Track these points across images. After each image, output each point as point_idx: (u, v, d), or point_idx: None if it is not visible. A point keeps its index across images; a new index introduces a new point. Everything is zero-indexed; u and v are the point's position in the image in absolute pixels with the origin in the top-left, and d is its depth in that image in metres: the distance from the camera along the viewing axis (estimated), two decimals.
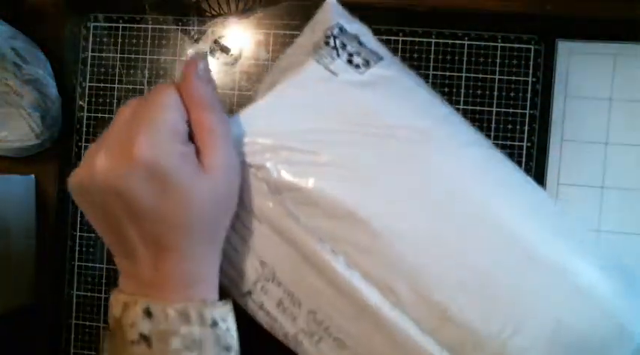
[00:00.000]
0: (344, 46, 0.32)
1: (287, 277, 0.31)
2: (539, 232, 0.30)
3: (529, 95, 0.43)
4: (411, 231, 0.29)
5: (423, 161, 0.30)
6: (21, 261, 0.45)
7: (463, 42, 0.43)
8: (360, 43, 0.33)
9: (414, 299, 0.29)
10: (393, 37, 0.44)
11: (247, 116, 0.30)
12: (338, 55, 0.32)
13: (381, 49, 0.34)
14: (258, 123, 0.30)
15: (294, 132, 0.30)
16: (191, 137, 0.28)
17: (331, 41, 0.32)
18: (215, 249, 0.29)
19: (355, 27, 0.34)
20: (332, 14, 0.34)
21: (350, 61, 0.32)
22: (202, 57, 0.30)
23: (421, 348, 0.29)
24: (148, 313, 0.26)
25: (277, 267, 0.31)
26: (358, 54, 0.32)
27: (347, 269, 0.29)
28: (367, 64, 0.32)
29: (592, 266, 0.31)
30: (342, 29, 0.33)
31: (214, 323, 0.27)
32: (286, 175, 0.29)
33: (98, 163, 0.26)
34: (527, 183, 0.33)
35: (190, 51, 0.33)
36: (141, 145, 0.25)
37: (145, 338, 0.26)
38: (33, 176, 0.47)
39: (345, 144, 0.30)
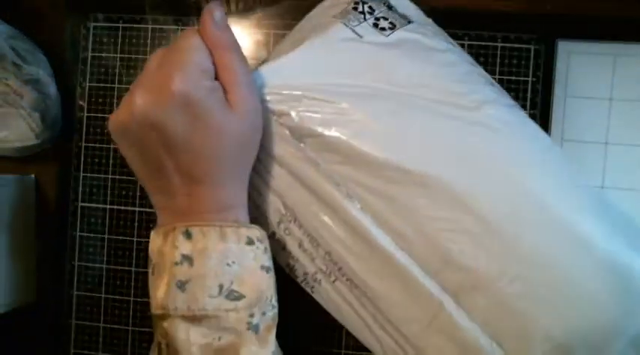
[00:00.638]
0: (372, 10, 0.34)
1: (305, 219, 0.33)
2: (550, 187, 0.31)
3: (529, 95, 0.43)
4: (422, 178, 0.30)
5: (440, 116, 0.31)
6: (21, 261, 0.45)
7: (463, 42, 0.43)
8: (390, 7, 0.35)
9: (419, 243, 0.30)
10: None
11: (271, 70, 0.32)
12: (365, 18, 0.33)
13: (413, 12, 0.36)
14: (283, 75, 0.31)
15: (317, 85, 0.31)
16: (216, 77, 0.30)
17: (360, 6, 0.33)
18: (242, 182, 0.31)
19: None
20: None
21: (376, 25, 0.33)
22: (218, 5, 0.31)
23: (423, 288, 0.31)
24: (188, 234, 0.29)
25: (297, 209, 0.33)
26: (385, 18, 0.34)
27: (360, 212, 0.31)
28: (393, 27, 0.33)
29: (601, 222, 0.31)
30: None
31: (250, 242, 0.30)
32: (308, 122, 0.31)
33: (137, 100, 0.28)
34: (544, 138, 0.34)
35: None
36: (175, 80, 0.27)
37: (186, 258, 0.28)
38: (33, 176, 0.47)
39: (367, 97, 0.31)
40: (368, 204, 0.31)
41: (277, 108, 0.31)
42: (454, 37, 0.43)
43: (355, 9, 0.33)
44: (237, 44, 0.31)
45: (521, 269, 0.30)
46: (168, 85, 0.27)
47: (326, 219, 0.32)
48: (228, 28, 0.31)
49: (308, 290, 0.35)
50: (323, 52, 0.32)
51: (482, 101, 0.32)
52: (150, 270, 0.31)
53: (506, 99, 0.34)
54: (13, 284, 0.44)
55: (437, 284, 0.31)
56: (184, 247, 0.29)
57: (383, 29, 0.33)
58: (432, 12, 0.43)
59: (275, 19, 0.45)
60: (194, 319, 0.28)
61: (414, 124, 0.31)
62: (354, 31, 0.33)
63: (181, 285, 0.28)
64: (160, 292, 0.29)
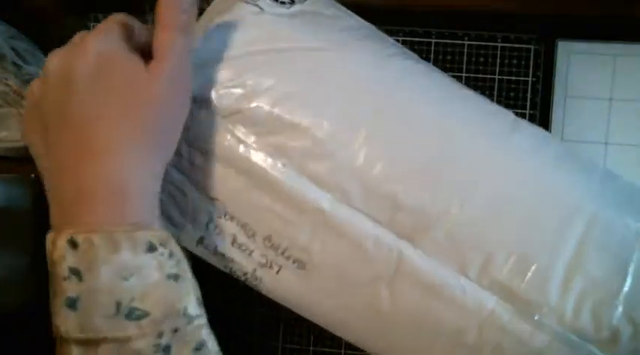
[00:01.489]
0: None
1: (239, 208, 0.31)
2: (480, 114, 0.33)
3: (529, 95, 0.43)
4: (353, 134, 0.30)
5: (356, 72, 0.32)
6: (20, 261, 0.45)
7: (463, 42, 0.43)
8: None
9: (364, 196, 0.30)
10: (393, 37, 0.44)
11: None
12: None
13: None
14: (196, 59, 0.30)
15: (230, 61, 0.31)
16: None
17: None
18: (154, 161, 0.27)
19: None
20: None
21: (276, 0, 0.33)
22: None
23: (378, 241, 0.30)
24: (73, 244, 0.25)
25: (228, 200, 0.31)
26: None
27: (298, 179, 0.30)
28: (292, 2, 0.33)
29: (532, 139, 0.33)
30: None
31: (151, 248, 0.25)
32: (229, 100, 0.30)
33: (53, 59, 0.27)
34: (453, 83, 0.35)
35: None
36: (91, 38, 0.26)
37: (74, 272, 0.25)
38: (33, 176, 0.47)
39: (278, 62, 0.31)
40: (304, 167, 0.30)
41: (198, 93, 0.30)
42: (454, 37, 0.43)
43: None
44: (188, 26, 0.29)
45: (465, 194, 0.30)
46: (85, 41, 0.26)
47: (264, 199, 0.30)
48: (185, 12, 0.29)
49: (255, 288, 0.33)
50: (231, 29, 0.32)
51: (392, 54, 0.33)
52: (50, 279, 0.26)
53: (411, 54, 0.36)
54: (12, 285, 0.44)
55: (390, 232, 0.30)
56: (70, 259, 0.25)
57: (283, 3, 0.33)
58: (432, 12, 0.44)
59: None
60: (89, 343, 0.25)
61: (331, 82, 0.31)
62: (256, 5, 0.32)
63: (72, 303, 0.25)
64: (53, 310, 0.26)
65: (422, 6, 0.44)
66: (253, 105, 0.30)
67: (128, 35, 0.28)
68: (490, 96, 0.43)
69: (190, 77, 0.28)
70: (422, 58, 0.43)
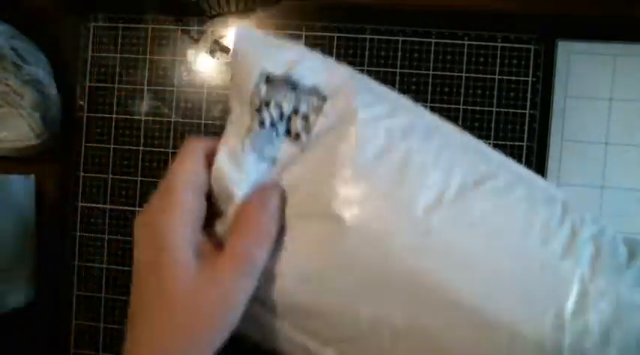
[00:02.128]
0: (281, 113, 0.27)
1: None
2: None
3: (529, 95, 0.43)
4: None
5: None
6: (21, 260, 0.45)
7: (463, 42, 0.43)
8: (295, 87, 0.27)
9: None
10: (393, 37, 0.44)
11: None
12: (277, 134, 0.27)
13: (324, 72, 0.28)
14: None
15: None
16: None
17: (264, 115, 0.27)
18: None
19: (282, 58, 0.28)
20: (252, 56, 0.28)
21: (289, 132, 0.27)
22: (277, 189, 0.27)
23: None
24: None
25: None
26: (296, 111, 0.27)
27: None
28: (307, 125, 0.27)
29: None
30: (269, 79, 0.27)
31: None
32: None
33: (138, 219, 0.26)
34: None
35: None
36: (143, 212, 0.26)
37: None
38: (33, 176, 0.47)
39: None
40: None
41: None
42: (454, 37, 0.43)
43: (262, 123, 0.27)
44: (269, 245, 0.26)
45: None
46: (155, 228, 0.25)
47: None
48: (274, 221, 0.26)
49: None
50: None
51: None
52: None
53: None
54: (12, 284, 0.44)
55: None
56: None
57: (297, 136, 0.27)
58: (432, 12, 0.44)
59: (275, 19, 0.45)
60: None
61: None
62: (263, 156, 0.27)
63: None
64: None
65: (422, 6, 0.44)
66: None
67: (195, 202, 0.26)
68: (490, 97, 0.43)
69: (245, 295, 0.25)
70: (422, 58, 0.44)
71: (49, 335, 0.47)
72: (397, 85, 0.44)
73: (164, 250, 0.24)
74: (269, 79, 0.27)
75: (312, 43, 0.44)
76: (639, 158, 0.42)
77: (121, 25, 0.46)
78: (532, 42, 0.43)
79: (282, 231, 0.26)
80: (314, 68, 0.28)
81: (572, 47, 0.43)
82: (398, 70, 0.44)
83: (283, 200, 0.26)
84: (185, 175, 0.26)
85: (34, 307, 0.46)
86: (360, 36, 0.44)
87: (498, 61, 0.43)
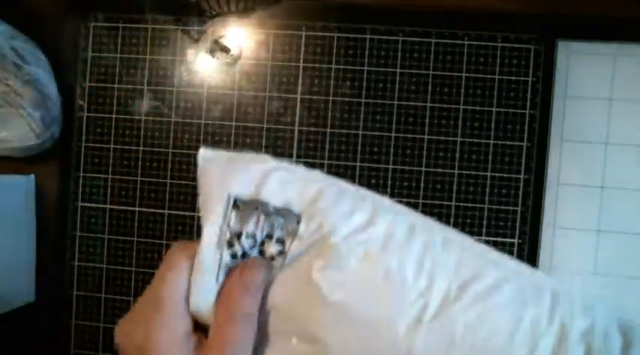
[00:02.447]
0: (254, 240, 0.27)
1: None
2: None
3: (529, 95, 0.43)
4: None
5: None
6: (21, 261, 0.45)
7: (463, 42, 0.43)
8: (266, 212, 0.27)
9: None
10: (393, 37, 0.44)
11: None
12: (247, 254, 0.27)
13: (294, 186, 0.28)
14: None
15: None
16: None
17: (236, 248, 0.27)
18: None
19: (249, 178, 0.28)
20: (217, 179, 0.28)
21: (262, 253, 0.27)
22: (262, 266, 0.26)
23: None
24: None
25: None
26: (270, 236, 0.27)
27: None
28: (282, 249, 0.27)
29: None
30: (237, 204, 0.27)
31: None
32: None
33: (117, 340, 0.26)
34: None
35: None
36: (147, 338, 0.25)
37: None
38: (33, 176, 0.47)
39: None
40: None
41: None
42: (454, 37, 0.43)
43: (234, 256, 0.27)
44: (252, 318, 0.26)
45: None
46: (137, 341, 0.25)
47: None
48: (253, 298, 0.26)
49: None
50: None
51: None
52: None
53: None
54: (12, 285, 0.44)
55: None
56: None
57: (272, 259, 0.27)
58: (432, 12, 0.44)
59: (275, 19, 0.45)
60: None
61: None
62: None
63: None
64: None
65: (422, 6, 0.44)
66: None
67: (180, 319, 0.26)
68: (490, 97, 0.43)
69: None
70: (422, 58, 0.44)
71: (49, 335, 0.47)
72: (397, 85, 0.44)
73: None
74: (237, 205, 0.27)
75: (312, 43, 0.44)
76: (639, 158, 0.42)
77: (121, 25, 0.46)
78: (532, 42, 0.43)
79: (265, 346, 0.27)
80: (283, 184, 0.28)
81: (572, 47, 0.43)
82: (398, 70, 0.44)
83: (266, 277, 0.26)
84: (173, 286, 0.26)
85: (34, 307, 0.46)
86: (360, 36, 0.44)
87: (498, 61, 0.43)
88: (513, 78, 0.43)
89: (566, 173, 0.43)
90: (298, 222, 0.27)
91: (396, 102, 0.44)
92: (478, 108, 0.43)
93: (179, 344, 0.25)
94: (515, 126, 0.43)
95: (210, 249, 0.27)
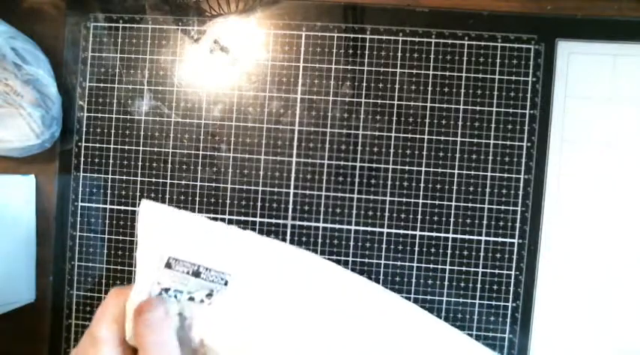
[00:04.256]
0: (179, 294, 0.31)
1: None
2: None
3: (529, 95, 0.43)
4: None
5: None
6: (21, 260, 0.45)
7: (463, 42, 0.43)
8: (198, 274, 0.31)
9: None
10: (393, 37, 0.44)
11: None
12: (177, 298, 0.30)
13: (225, 253, 0.32)
14: None
15: None
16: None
17: (163, 294, 0.31)
18: None
19: (184, 240, 0.31)
20: (154, 237, 0.31)
21: (192, 299, 0.30)
22: (152, 304, 0.30)
23: None
24: None
25: None
26: (199, 290, 0.31)
27: None
28: (210, 295, 0.31)
29: None
30: (169, 264, 0.31)
31: None
32: None
33: None
34: None
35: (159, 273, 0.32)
36: None
37: None
38: (33, 176, 0.47)
39: None
40: None
41: None
42: (454, 37, 0.43)
43: (166, 291, 0.31)
44: (164, 343, 0.30)
45: None
46: None
47: None
48: (158, 328, 0.30)
49: None
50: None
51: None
52: None
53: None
54: (12, 285, 0.44)
55: None
56: None
57: (201, 301, 0.30)
58: (432, 12, 0.44)
59: (275, 19, 0.45)
60: None
61: None
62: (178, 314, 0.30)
63: None
64: None
65: (422, 6, 0.44)
66: None
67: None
68: (490, 97, 0.43)
69: None
70: (422, 58, 0.44)
71: (49, 335, 0.47)
72: (397, 85, 0.44)
73: None
74: (170, 264, 0.31)
75: (312, 43, 0.44)
76: (639, 158, 0.42)
77: (120, 25, 0.46)
78: (532, 42, 0.43)
79: None
80: (215, 247, 0.31)
81: (572, 47, 0.43)
82: (398, 70, 0.44)
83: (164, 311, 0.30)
84: (106, 325, 0.31)
85: (34, 307, 0.46)
86: (360, 36, 0.44)
87: (498, 61, 0.43)
88: (513, 78, 0.43)
89: (566, 173, 0.43)
90: (226, 284, 0.31)
91: (396, 102, 0.44)
92: (478, 108, 0.43)
93: None
94: (515, 126, 0.43)
95: (141, 298, 0.31)
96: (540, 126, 0.43)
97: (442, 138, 0.44)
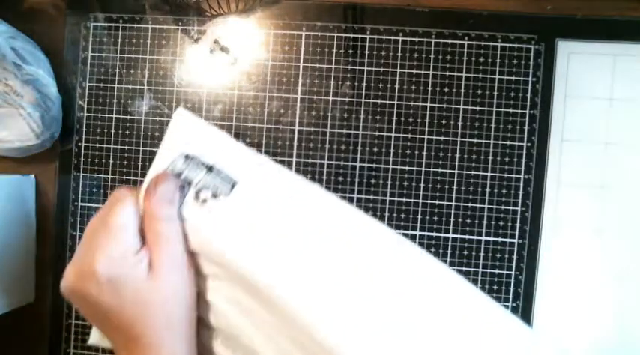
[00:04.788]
0: (189, 181, 0.33)
1: None
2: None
3: (529, 95, 0.43)
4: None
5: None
6: (21, 260, 0.45)
7: (463, 42, 0.43)
8: (211, 170, 0.33)
9: None
10: (393, 37, 0.44)
11: None
12: (184, 195, 0.33)
13: (243, 167, 0.34)
14: None
15: None
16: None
17: (180, 175, 0.33)
18: (180, 335, 0.31)
19: (206, 149, 0.34)
20: (179, 137, 0.34)
21: (197, 197, 0.33)
22: (165, 180, 0.33)
23: None
24: None
25: None
26: (206, 187, 0.33)
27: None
28: (215, 196, 0.33)
29: None
30: (187, 157, 0.34)
31: None
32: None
33: (67, 275, 0.31)
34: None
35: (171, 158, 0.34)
36: (97, 261, 0.30)
37: None
38: (33, 176, 0.47)
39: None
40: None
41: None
42: (454, 37, 0.43)
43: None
44: (173, 218, 0.32)
45: None
46: (93, 265, 0.30)
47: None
48: (170, 202, 0.32)
49: None
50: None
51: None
52: None
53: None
54: (12, 285, 0.44)
55: None
56: None
57: (205, 201, 0.33)
58: (432, 12, 0.44)
59: (275, 19, 0.45)
60: None
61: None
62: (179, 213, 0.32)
63: None
64: None
65: (422, 6, 0.44)
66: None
67: (130, 239, 0.32)
68: (490, 97, 0.43)
69: (185, 255, 0.32)
70: (422, 58, 0.44)
71: (49, 335, 0.47)
72: (397, 85, 0.44)
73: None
74: (187, 156, 0.33)
75: (312, 43, 0.44)
76: (639, 158, 0.42)
77: (120, 25, 0.46)
78: (532, 42, 0.43)
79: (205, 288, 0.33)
80: (233, 161, 0.34)
81: (572, 47, 0.43)
82: (398, 70, 0.44)
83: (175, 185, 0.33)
84: (122, 214, 0.32)
85: (34, 307, 0.46)
86: (360, 36, 0.44)
87: (498, 61, 0.43)
88: (513, 78, 0.43)
89: (566, 173, 0.43)
90: (232, 188, 0.33)
91: (396, 102, 0.44)
92: (478, 108, 0.43)
93: (133, 258, 0.31)
94: (515, 126, 0.43)
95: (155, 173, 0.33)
96: (540, 126, 0.43)
97: (442, 138, 0.44)
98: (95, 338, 0.35)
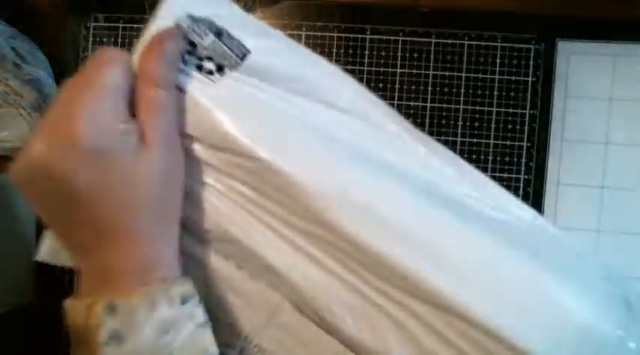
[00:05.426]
0: (193, 47, 0.28)
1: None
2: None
3: (529, 95, 0.43)
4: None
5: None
6: (21, 261, 0.45)
7: (463, 42, 0.43)
8: (220, 35, 0.28)
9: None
10: (392, 37, 0.44)
11: None
12: (185, 62, 0.27)
13: (250, 33, 0.28)
14: None
15: None
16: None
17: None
18: (168, 229, 0.27)
19: (215, 10, 0.28)
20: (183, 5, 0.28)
21: (200, 67, 0.27)
22: (173, 38, 0.27)
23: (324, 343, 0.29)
24: (112, 309, 0.24)
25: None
26: (210, 58, 0.28)
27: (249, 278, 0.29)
28: (221, 69, 0.27)
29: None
30: (193, 19, 0.27)
31: (184, 300, 0.26)
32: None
33: (36, 147, 0.23)
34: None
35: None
36: (80, 125, 0.23)
37: (115, 337, 0.24)
38: None
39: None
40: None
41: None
42: (454, 37, 0.43)
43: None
44: (172, 79, 0.27)
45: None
46: (72, 130, 0.23)
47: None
48: (173, 66, 0.27)
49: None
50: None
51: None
52: (73, 347, 0.26)
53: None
54: (12, 284, 0.44)
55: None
56: (110, 324, 0.24)
57: (210, 73, 0.27)
58: (432, 12, 0.44)
59: (275, 19, 0.45)
60: None
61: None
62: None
63: None
64: None
65: (422, 6, 0.44)
66: None
67: (119, 101, 0.25)
68: (490, 97, 0.43)
69: (177, 130, 0.27)
70: (422, 58, 0.44)
71: (49, 335, 0.47)
72: (397, 85, 0.44)
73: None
74: (192, 16, 0.28)
75: (312, 43, 0.44)
76: (639, 158, 0.42)
77: (120, 25, 0.46)
78: (532, 42, 0.43)
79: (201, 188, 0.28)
80: (246, 29, 0.28)
81: (572, 47, 0.43)
82: (398, 70, 0.44)
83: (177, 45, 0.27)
84: (110, 73, 0.25)
85: (34, 307, 0.46)
86: (360, 36, 0.44)
87: (498, 61, 0.43)
88: (513, 78, 0.43)
89: (566, 173, 0.43)
90: (242, 59, 0.28)
91: (395, 102, 0.44)
92: (478, 108, 0.43)
93: (122, 127, 0.25)
94: (515, 126, 0.43)
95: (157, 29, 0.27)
96: (540, 126, 0.43)
97: (442, 138, 0.44)
98: (45, 251, 0.28)
